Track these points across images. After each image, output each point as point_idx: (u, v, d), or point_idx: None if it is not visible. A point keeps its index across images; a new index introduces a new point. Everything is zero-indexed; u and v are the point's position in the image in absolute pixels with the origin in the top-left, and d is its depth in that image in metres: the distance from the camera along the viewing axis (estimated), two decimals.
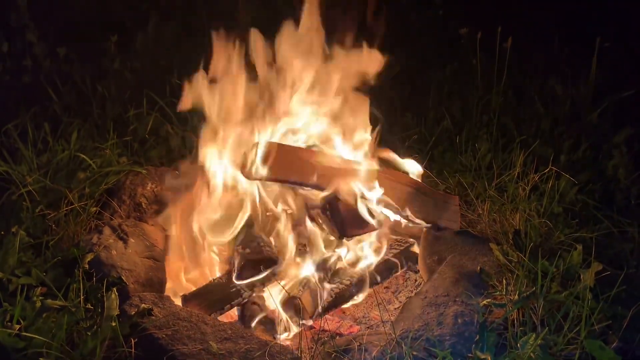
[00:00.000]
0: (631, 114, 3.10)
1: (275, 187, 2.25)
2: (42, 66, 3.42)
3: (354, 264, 2.31)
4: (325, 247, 2.23)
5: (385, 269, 2.32)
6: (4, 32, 3.39)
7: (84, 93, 3.38)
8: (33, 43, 3.43)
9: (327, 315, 2.14)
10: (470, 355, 1.64)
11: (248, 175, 2.15)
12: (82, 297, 1.77)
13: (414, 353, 1.66)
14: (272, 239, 2.21)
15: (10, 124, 2.76)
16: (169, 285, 2.16)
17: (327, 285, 2.17)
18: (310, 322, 2.08)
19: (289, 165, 2.18)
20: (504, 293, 1.86)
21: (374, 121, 2.37)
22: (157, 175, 2.52)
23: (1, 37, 3.36)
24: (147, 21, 4.02)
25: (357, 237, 2.30)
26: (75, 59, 3.57)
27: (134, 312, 1.77)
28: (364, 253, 2.34)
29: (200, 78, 2.24)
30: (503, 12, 3.87)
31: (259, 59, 2.27)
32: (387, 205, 2.25)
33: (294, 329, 2.04)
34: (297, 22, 2.27)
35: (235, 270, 2.10)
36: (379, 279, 2.29)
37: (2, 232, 2.03)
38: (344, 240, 2.27)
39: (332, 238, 2.25)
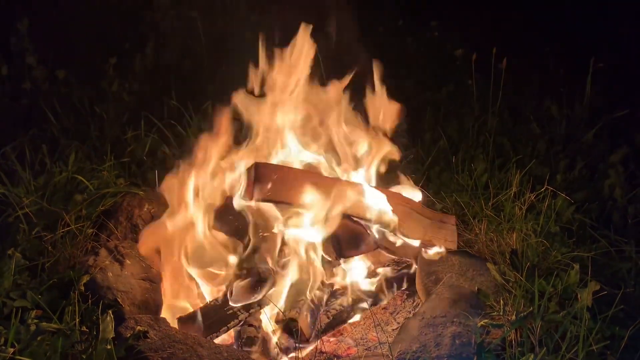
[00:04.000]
0: (626, 134, 3.13)
1: (272, 208, 2.25)
2: (41, 89, 3.45)
3: (351, 285, 2.30)
4: (323, 268, 2.22)
5: (383, 289, 2.31)
6: (4, 55, 3.43)
7: (83, 115, 3.40)
8: (32, 66, 3.46)
9: (324, 337, 2.13)
10: None
11: (244, 197, 2.15)
12: (77, 320, 1.76)
13: None
14: (268, 261, 2.20)
15: (8, 146, 2.77)
16: (165, 307, 2.15)
17: (325, 307, 2.16)
18: (307, 344, 2.06)
19: (286, 186, 2.18)
20: (501, 313, 1.85)
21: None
22: (154, 197, 2.52)
23: (1, 60, 3.40)
24: (145, 44, 4.07)
25: (355, 257, 2.30)
26: (74, 82, 3.60)
27: (129, 335, 1.76)
28: (361, 274, 2.33)
29: None
30: (498, 34, 3.93)
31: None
32: (384, 226, 2.25)
33: (291, 352, 2.02)
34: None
35: (232, 292, 2.09)
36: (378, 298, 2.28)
37: None
38: (341, 261, 2.27)
39: (330, 259, 2.24)
